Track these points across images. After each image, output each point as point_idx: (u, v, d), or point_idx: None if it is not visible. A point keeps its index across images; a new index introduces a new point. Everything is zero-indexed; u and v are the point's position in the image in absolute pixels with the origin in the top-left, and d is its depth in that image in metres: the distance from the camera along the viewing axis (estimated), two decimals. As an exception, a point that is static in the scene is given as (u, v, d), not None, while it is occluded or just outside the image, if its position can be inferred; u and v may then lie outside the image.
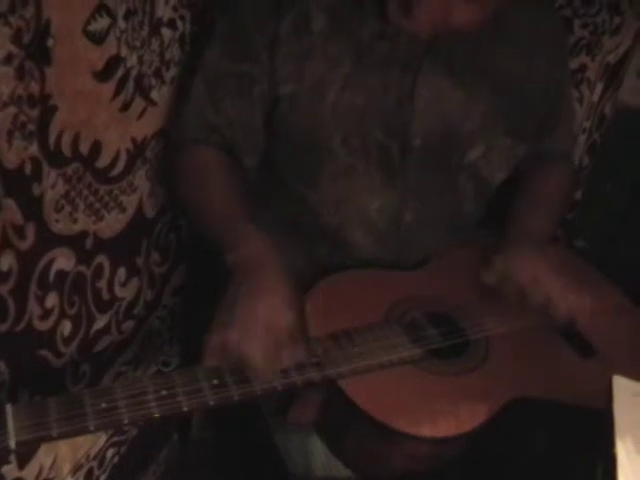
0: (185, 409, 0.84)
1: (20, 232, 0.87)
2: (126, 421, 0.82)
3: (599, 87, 1.61)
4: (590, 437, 0.96)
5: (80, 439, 1.18)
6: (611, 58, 1.58)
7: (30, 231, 0.89)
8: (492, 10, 1.09)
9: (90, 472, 1.27)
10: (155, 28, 1.06)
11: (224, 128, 1.15)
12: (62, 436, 0.79)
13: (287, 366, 0.92)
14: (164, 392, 0.84)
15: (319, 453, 1.04)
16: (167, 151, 1.18)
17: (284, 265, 0.99)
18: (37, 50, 0.81)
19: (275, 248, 1.01)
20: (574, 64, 1.58)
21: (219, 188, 1.12)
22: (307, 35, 1.10)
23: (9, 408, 0.79)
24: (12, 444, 0.76)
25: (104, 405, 0.82)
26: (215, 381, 0.87)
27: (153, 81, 1.10)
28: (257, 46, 1.11)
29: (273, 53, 1.10)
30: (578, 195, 1.72)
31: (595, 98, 1.62)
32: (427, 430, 0.93)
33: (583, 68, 1.59)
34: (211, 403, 0.85)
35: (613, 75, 1.60)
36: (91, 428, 0.80)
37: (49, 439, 0.79)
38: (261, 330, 0.91)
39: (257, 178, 1.26)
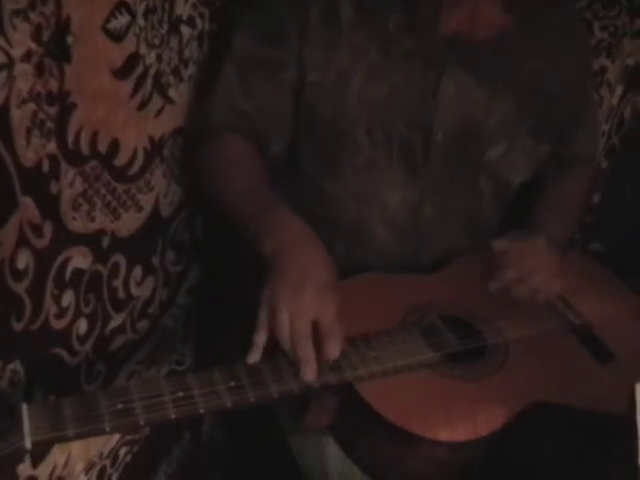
0: (202, 411, 0.83)
1: (37, 230, 0.86)
2: (142, 422, 0.81)
3: (619, 90, 1.60)
4: (606, 444, 0.95)
5: (93, 438, 1.17)
6: (631, 61, 1.57)
7: (47, 229, 0.89)
8: (516, 20, 1.10)
9: (103, 471, 1.26)
10: (174, 26, 1.06)
11: (254, 113, 1.14)
12: (78, 437, 0.78)
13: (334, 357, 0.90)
14: (181, 394, 0.83)
15: (334, 457, 1.04)
16: (193, 139, 1.17)
17: (324, 248, 0.96)
18: (57, 47, 0.80)
19: (313, 231, 0.98)
20: (594, 66, 1.56)
21: (248, 176, 1.10)
22: (335, 24, 1.11)
23: (25, 408, 0.77)
24: (28, 444, 0.75)
25: (120, 406, 0.81)
26: (232, 383, 0.86)
27: (171, 79, 1.09)
28: (288, 30, 1.11)
29: (302, 38, 1.11)
30: (596, 198, 1.71)
31: (615, 101, 1.61)
32: (444, 434, 0.92)
33: (603, 70, 1.58)
34: (228, 405, 0.84)
35: (633, 78, 1.59)
36: (107, 429, 0.79)
37: (65, 439, 0.78)
38: (308, 324, 0.88)
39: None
